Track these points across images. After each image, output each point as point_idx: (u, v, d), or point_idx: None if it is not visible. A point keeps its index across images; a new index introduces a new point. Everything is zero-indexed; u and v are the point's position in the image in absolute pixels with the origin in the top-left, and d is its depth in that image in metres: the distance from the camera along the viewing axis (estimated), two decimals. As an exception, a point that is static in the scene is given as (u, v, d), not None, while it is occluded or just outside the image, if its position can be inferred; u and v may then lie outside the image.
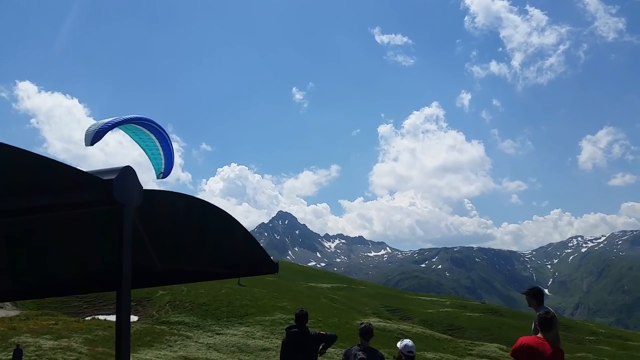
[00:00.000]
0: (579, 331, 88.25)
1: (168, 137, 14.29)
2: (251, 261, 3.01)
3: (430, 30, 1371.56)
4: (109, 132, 12.73)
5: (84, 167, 1.93)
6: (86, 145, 12.30)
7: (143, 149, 14.08)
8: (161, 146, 13.89)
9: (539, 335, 5.93)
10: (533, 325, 7.10)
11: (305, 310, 8.16)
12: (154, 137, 13.72)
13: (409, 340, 7.25)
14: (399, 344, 7.18)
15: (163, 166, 14.26)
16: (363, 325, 7.52)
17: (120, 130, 13.34)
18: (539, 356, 5.67)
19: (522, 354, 5.82)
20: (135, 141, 14.00)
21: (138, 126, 13.34)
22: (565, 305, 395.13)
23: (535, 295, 7.46)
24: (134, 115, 13.25)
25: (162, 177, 14.50)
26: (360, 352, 7.15)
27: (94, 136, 12.24)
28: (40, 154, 1.78)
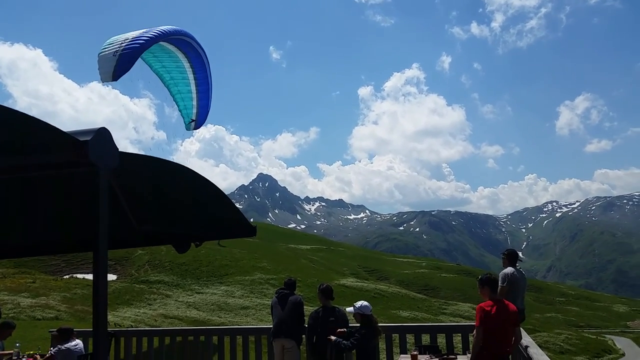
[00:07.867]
0: (550, 293, 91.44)
1: (208, 64, 10.31)
2: (229, 224, 3.06)
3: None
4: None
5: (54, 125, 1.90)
6: (104, 80, 8.25)
7: (167, 87, 10.37)
8: (196, 81, 10.17)
9: (488, 297, 6.06)
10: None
11: (293, 279, 8.46)
12: (187, 66, 10.00)
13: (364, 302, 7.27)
14: (355, 305, 7.18)
15: (195, 110, 10.52)
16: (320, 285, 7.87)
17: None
18: (495, 315, 5.85)
19: (483, 320, 5.93)
20: (160, 75, 10.29)
21: (170, 46, 9.61)
22: (538, 268, 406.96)
23: (509, 256, 8.06)
24: (167, 28, 9.30)
25: (195, 128, 10.84)
26: (320, 310, 7.56)
27: (119, 66, 8.11)
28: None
